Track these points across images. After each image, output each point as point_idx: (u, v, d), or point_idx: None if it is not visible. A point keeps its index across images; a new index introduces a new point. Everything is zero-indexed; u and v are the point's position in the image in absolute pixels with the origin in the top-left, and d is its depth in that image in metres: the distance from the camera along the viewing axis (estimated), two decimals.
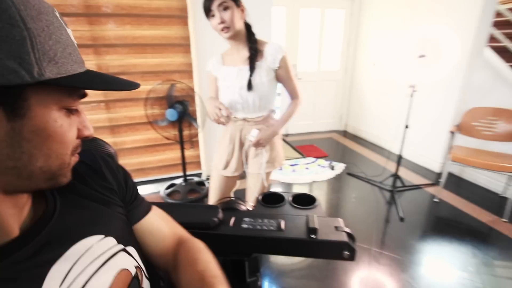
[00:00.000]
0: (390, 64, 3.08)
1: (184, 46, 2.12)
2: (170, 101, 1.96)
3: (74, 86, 0.32)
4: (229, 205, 0.77)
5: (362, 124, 3.70)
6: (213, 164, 1.27)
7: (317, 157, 2.94)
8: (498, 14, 2.37)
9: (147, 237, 0.50)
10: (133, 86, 0.36)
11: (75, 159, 0.36)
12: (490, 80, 2.19)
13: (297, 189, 2.33)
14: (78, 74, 0.32)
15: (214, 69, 1.16)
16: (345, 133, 3.95)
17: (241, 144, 1.20)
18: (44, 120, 0.30)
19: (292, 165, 2.73)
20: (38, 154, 0.30)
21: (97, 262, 0.36)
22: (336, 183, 2.42)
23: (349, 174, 2.54)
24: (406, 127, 2.09)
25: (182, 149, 2.11)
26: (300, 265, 1.49)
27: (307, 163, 2.78)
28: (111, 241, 0.39)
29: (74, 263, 0.34)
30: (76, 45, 0.33)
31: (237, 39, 1.06)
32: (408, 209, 1.96)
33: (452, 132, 2.11)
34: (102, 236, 0.39)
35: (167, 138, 2.10)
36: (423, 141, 2.67)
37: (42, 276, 0.31)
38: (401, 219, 1.84)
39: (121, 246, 0.40)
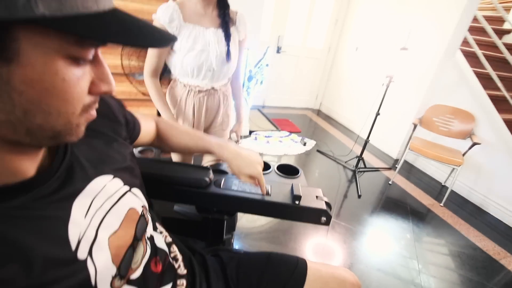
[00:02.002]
0: (372, 52, 3.17)
1: None
2: None
3: (75, 33, 0.23)
4: (218, 167, 0.80)
5: (336, 106, 3.86)
6: None
7: (291, 132, 3.05)
8: (474, 20, 2.53)
9: (141, 139, 0.60)
10: (167, 41, 0.29)
11: (88, 117, 0.31)
12: (455, 81, 2.40)
13: (267, 160, 2.43)
14: (90, 15, 0.23)
15: (171, 26, 0.90)
16: (318, 112, 4.10)
17: (206, 116, 1.10)
18: (40, 71, 0.23)
19: (266, 137, 2.80)
20: (34, 110, 0.25)
21: (112, 200, 0.38)
22: (305, 158, 2.57)
23: (319, 151, 2.70)
24: (378, 114, 2.24)
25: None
26: (264, 227, 1.62)
27: (281, 136, 2.87)
28: (119, 182, 0.41)
29: (94, 198, 0.36)
30: None
31: None
32: (366, 188, 2.18)
33: (415, 124, 2.32)
34: (112, 176, 0.40)
35: (144, 94, 1.99)
36: (388, 129, 2.90)
37: (69, 207, 0.33)
38: (359, 196, 2.05)
39: (127, 187, 0.42)
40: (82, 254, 0.32)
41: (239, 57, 1.11)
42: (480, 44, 2.57)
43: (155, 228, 0.50)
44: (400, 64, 2.39)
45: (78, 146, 0.38)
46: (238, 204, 0.69)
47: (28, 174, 0.31)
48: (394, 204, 2.06)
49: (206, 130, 1.18)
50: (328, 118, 3.86)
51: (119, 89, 2.12)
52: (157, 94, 1.02)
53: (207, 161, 1.22)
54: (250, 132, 2.87)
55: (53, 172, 0.33)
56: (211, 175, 0.72)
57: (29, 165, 0.31)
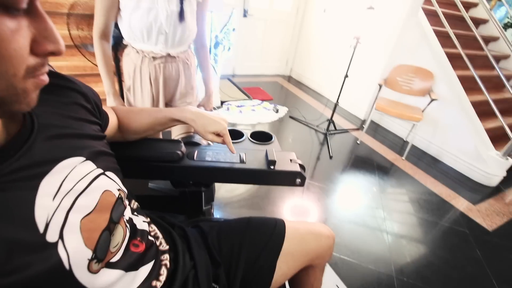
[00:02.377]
0: (340, 13, 3.13)
1: None
2: None
3: None
4: (190, 140, 0.78)
5: (306, 71, 3.85)
6: None
7: (263, 100, 3.03)
8: None
9: (107, 132, 0.55)
10: None
11: (38, 82, 0.28)
12: (417, 40, 2.48)
13: (241, 130, 2.43)
14: None
15: None
16: (289, 79, 4.07)
17: (165, 86, 1.04)
18: None
19: (238, 106, 2.76)
20: None
21: (84, 181, 0.36)
22: (279, 125, 2.60)
23: (291, 117, 2.74)
24: (346, 76, 2.28)
25: (120, 81, 1.88)
26: (243, 195, 1.67)
27: (253, 105, 2.84)
28: (91, 164, 0.39)
29: (64, 179, 0.34)
30: None
31: None
32: (336, 149, 2.29)
33: (380, 85, 2.41)
34: (84, 158, 0.38)
35: None
36: (356, 91, 2.99)
37: (34, 188, 0.31)
38: (330, 157, 2.16)
39: (100, 170, 0.40)
40: (51, 237, 0.31)
41: (201, 21, 1.03)
42: (440, 3, 2.63)
43: (133, 210, 0.49)
44: (367, 25, 2.39)
45: (46, 126, 0.35)
46: (213, 175, 0.69)
47: None
48: (362, 162, 2.20)
49: (169, 104, 1.11)
50: (299, 84, 3.86)
51: (72, 63, 1.90)
52: (103, 59, 0.95)
53: (176, 134, 1.18)
54: (222, 102, 2.80)
55: (13, 150, 0.31)
56: (183, 147, 0.70)
57: None
